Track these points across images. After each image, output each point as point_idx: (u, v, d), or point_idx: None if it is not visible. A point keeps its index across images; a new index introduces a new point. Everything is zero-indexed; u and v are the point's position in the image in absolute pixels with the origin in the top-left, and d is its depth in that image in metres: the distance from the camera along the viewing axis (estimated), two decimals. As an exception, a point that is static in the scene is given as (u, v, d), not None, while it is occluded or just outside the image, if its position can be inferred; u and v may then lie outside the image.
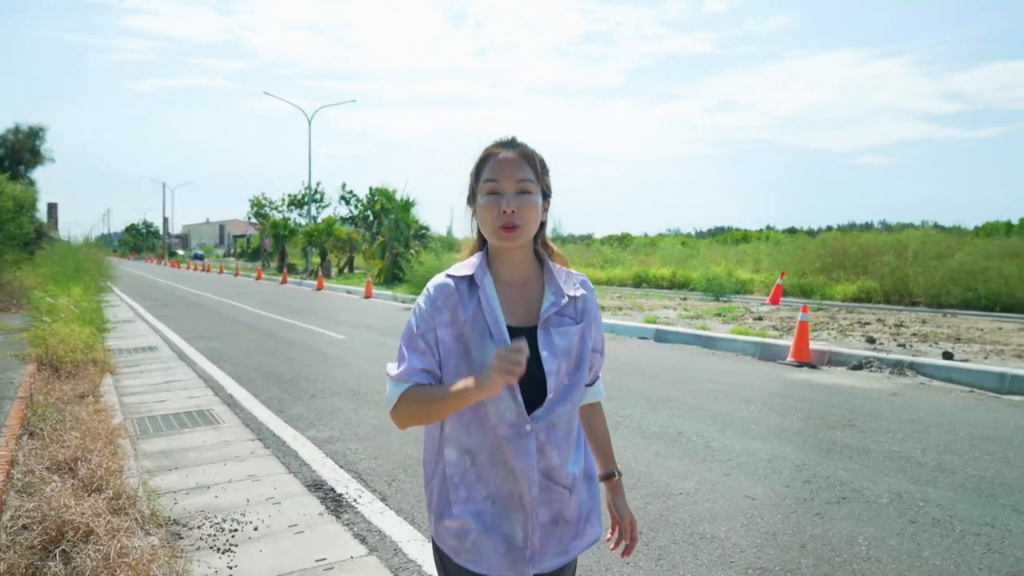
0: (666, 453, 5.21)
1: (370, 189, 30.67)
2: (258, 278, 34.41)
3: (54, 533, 3.31)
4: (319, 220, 39.78)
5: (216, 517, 3.92)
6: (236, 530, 3.74)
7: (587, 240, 50.68)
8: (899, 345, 10.05)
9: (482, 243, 1.70)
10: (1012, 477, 4.72)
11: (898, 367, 8.33)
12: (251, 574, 3.22)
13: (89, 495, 3.76)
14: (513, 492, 1.58)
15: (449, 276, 1.64)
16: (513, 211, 1.56)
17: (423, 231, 29.96)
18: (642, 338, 11.67)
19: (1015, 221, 31.13)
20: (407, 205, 28.35)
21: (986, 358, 8.89)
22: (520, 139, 1.66)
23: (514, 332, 1.59)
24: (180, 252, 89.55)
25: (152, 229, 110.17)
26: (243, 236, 71.91)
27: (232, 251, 75.83)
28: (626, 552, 1.79)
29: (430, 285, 1.65)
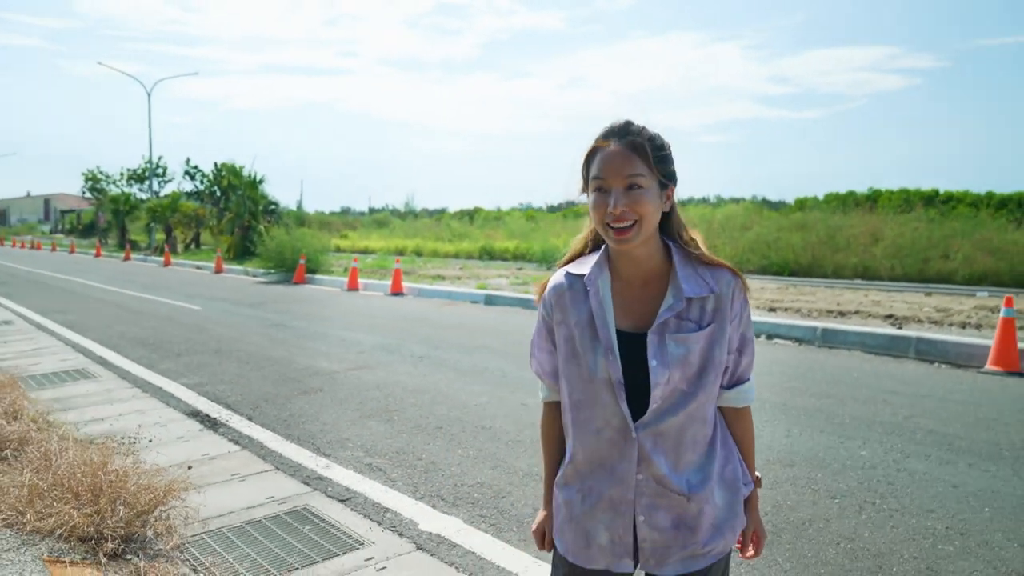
0: (472, 382, 6.76)
1: (215, 164, 30.44)
2: (97, 255, 33.37)
3: (-6, 445, 4.39)
4: (162, 196, 38.78)
5: (117, 436, 5.07)
6: (135, 442, 4.93)
7: (438, 215, 51.99)
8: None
9: (591, 239, 1.69)
10: None
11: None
12: (156, 464, 4.45)
13: (13, 422, 4.83)
14: (604, 494, 1.58)
15: (567, 274, 1.64)
16: (622, 210, 1.47)
17: (272, 206, 30.25)
18: (474, 302, 13.28)
19: (820, 196, 35.28)
20: (255, 182, 28.63)
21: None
22: (637, 121, 1.53)
23: (627, 338, 1.55)
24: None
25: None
26: (72, 211, 67.68)
27: (60, 227, 71.21)
28: (747, 557, 1.74)
29: (549, 282, 1.66)
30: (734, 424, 1.67)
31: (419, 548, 3.40)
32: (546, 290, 1.65)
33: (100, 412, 5.73)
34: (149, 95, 38.39)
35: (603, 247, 1.62)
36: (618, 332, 1.54)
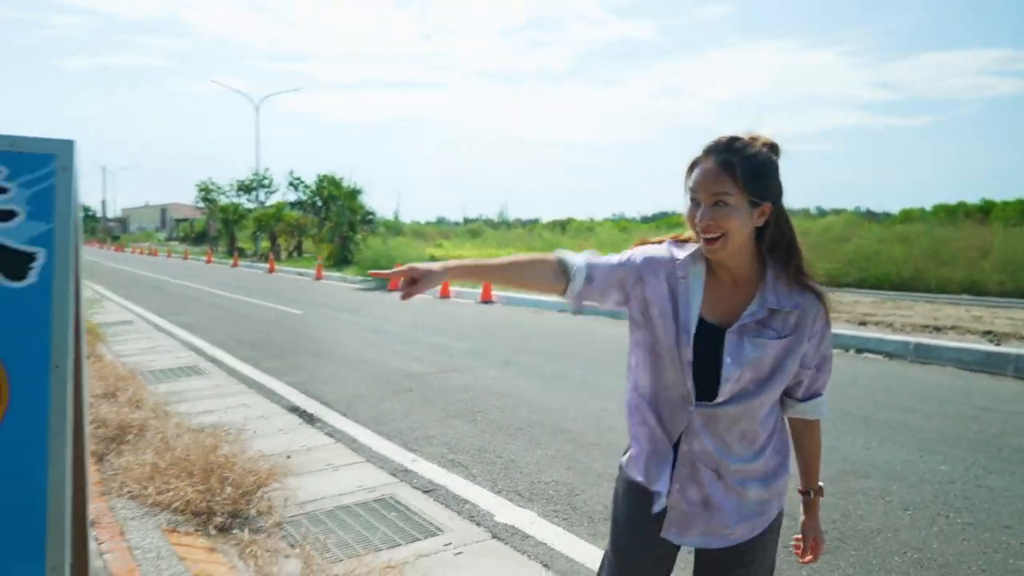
0: (554, 387, 6.96)
1: (317, 176, 31.80)
2: (208, 261, 35.29)
3: (119, 431, 4.88)
4: (268, 205, 40.70)
5: (225, 426, 5.51)
6: (241, 432, 5.35)
7: (531, 225, 52.38)
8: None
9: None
10: None
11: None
12: (259, 451, 4.84)
13: (135, 410, 5.34)
14: (651, 425, 1.74)
15: (671, 247, 1.75)
16: (707, 224, 1.57)
17: (370, 216, 31.29)
18: (560, 311, 13.47)
19: (928, 208, 33.85)
20: (353, 192, 29.71)
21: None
22: (743, 139, 1.61)
23: (708, 328, 1.65)
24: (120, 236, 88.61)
25: (90, 213, 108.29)
26: (186, 220, 71.66)
27: (175, 235, 75.45)
28: (804, 560, 1.86)
29: (656, 249, 1.75)
30: (803, 434, 1.80)
31: (494, 537, 3.63)
32: (645, 250, 1.75)
33: (210, 405, 6.22)
34: (257, 110, 40.54)
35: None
36: (701, 320, 1.65)
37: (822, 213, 37.49)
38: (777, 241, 1.65)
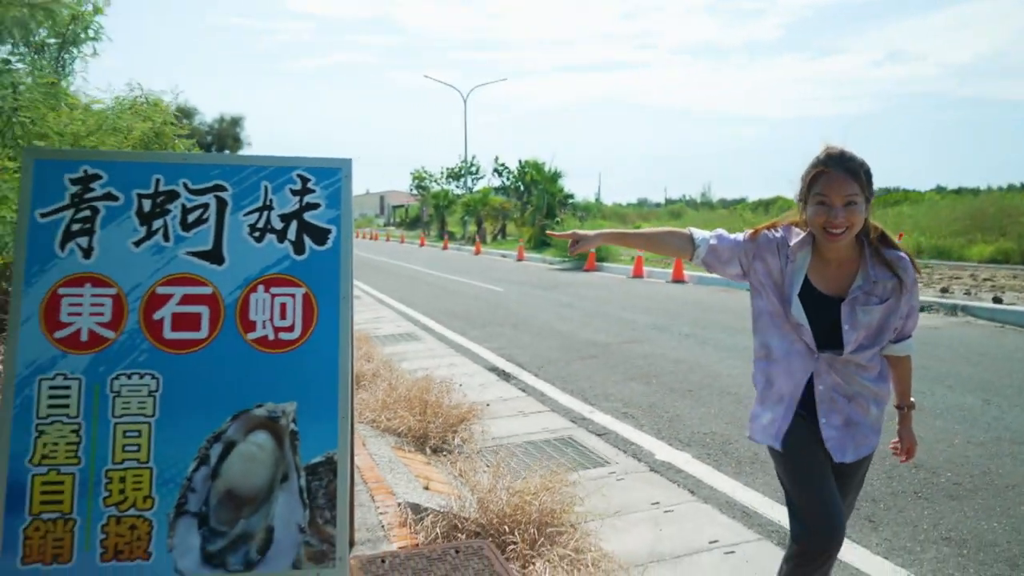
0: (728, 357, 7.42)
1: (519, 162, 33.34)
2: (421, 245, 38.18)
3: (357, 376, 6.04)
4: (475, 191, 43.09)
5: (436, 380, 6.58)
6: (449, 383, 6.38)
7: (734, 205, 50.96)
8: (965, 293, 11.50)
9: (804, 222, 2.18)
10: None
11: (953, 310, 10.00)
12: (466, 395, 5.80)
13: (368, 363, 6.53)
14: (778, 386, 2.23)
15: (785, 232, 2.22)
16: (840, 221, 2.01)
17: (569, 198, 32.35)
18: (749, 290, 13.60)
19: None
20: (554, 176, 30.91)
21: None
22: (848, 150, 2.06)
23: (825, 299, 2.14)
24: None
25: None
26: (402, 206, 76.89)
27: (392, 220, 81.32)
28: (904, 460, 2.39)
29: (773, 233, 2.23)
30: (897, 366, 2.28)
31: (652, 470, 4.31)
32: (764, 234, 2.24)
33: (424, 364, 7.35)
34: (465, 101, 43.03)
35: (810, 232, 2.15)
36: (818, 293, 2.13)
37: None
38: (868, 226, 2.13)
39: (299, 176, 2.38)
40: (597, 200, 53.21)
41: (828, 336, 2.14)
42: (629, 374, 6.76)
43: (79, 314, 2.21)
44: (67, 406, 2.16)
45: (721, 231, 2.33)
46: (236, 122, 36.13)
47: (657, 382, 6.43)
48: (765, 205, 44.02)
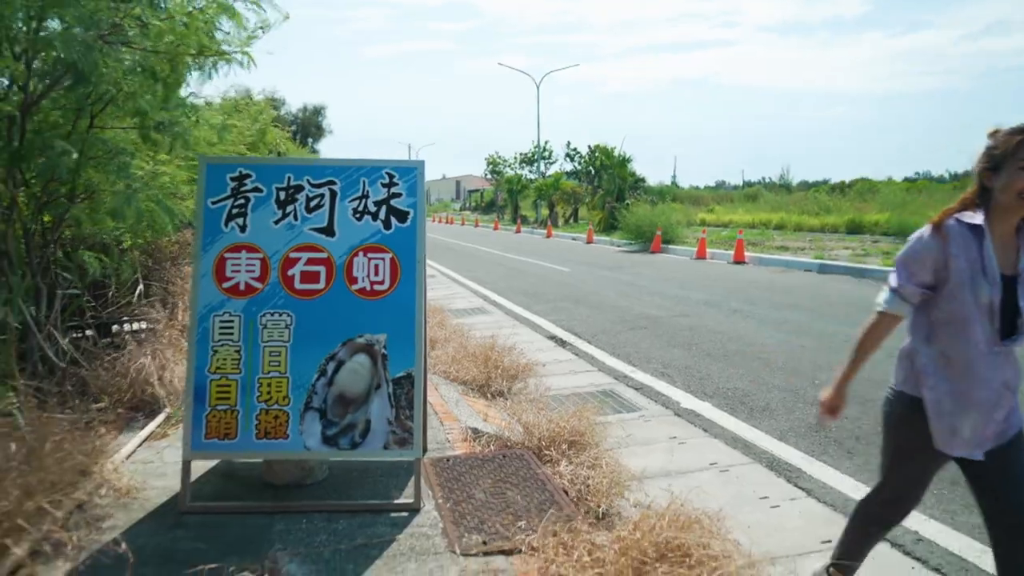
0: (769, 329, 8.10)
1: (590, 147, 33.97)
2: (495, 228, 39.28)
3: (432, 340, 7.01)
4: (547, 176, 43.91)
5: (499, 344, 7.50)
6: (512, 348, 7.28)
7: (815, 187, 49.80)
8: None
9: (976, 200, 2.11)
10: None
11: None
12: (529, 359, 6.69)
13: (442, 329, 7.50)
14: (969, 394, 2.10)
15: (958, 221, 2.09)
16: None
17: (640, 182, 32.85)
18: (807, 271, 14.07)
19: None
20: (624, 161, 31.45)
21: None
22: None
23: (1002, 279, 2.05)
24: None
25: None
26: (476, 191, 78.28)
27: (467, 204, 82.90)
28: None
29: (953, 228, 2.08)
30: None
31: (676, 415, 5.12)
32: (949, 229, 2.09)
33: (491, 332, 8.24)
34: (538, 87, 43.66)
35: (983, 209, 2.09)
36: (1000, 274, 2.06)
37: None
38: None
39: (387, 173, 3.32)
40: (673, 183, 53.26)
41: (1008, 323, 2.11)
42: (673, 342, 7.53)
43: (238, 271, 3.19)
44: (232, 333, 3.15)
45: (894, 279, 2.25)
46: (319, 111, 38.07)
47: (697, 348, 7.19)
48: (842, 188, 43.32)
